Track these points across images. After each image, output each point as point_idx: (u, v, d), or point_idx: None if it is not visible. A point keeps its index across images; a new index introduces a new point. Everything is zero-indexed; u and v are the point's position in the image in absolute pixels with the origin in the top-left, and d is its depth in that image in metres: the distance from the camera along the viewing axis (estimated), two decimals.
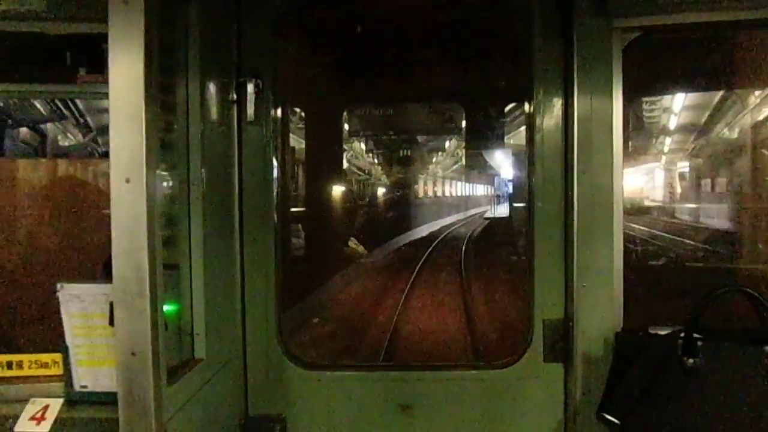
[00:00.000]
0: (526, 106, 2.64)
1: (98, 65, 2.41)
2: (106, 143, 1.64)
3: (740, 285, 2.23)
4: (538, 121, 2.55)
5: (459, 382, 2.66)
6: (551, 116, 2.54)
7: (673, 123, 14.93)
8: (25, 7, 2.08)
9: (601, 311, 2.44)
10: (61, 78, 2.47)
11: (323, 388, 2.67)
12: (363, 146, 22.41)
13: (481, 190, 43.44)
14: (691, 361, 2.13)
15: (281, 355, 2.65)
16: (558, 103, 2.53)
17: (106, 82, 1.65)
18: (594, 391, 2.39)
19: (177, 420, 1.90)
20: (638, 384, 2.24)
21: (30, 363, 2.33)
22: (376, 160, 25.05)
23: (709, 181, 14.86)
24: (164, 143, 2.08)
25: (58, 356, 2.20)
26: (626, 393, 2.28)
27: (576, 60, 2.42)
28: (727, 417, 2.10)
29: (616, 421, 2.28)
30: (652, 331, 2.40)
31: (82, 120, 10.58)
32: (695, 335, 2.14)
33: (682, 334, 2.17)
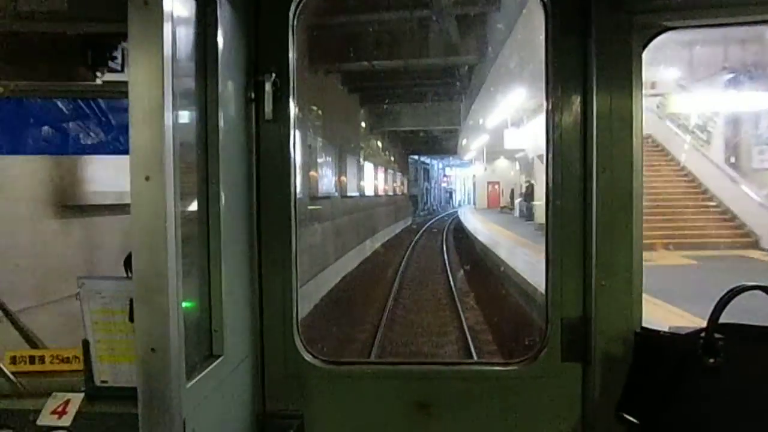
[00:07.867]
0: (544, 103, 2.61)
1: (119, 64, 2.45)
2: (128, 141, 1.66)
3: (760, 282, 2.19)
4: (556, 118, 2.53)
5: (476, 380, 2.65)
6: (570, 113, 2.51)
7: None
8: (47, 7, 2.11)
9: (620, 310, 2.41)
10: (82, 77, 2.51)
11: (340, 384, 2.67)
12: None
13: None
14: (711, 360, 2.10)
15: (299, 352, 2.66)
16: (576, 100, 2.50)
17: (126, 81, 1.68)
18: (612, 391, 2.36)
19: (195, 415, 1.91)
20: (658, 384, 2.22)
21: (52, 358, 2.38)
22: None
23: None
24: (183, 141, 2.10)
25: (79, 351, 2.24)
26: (646, 393, 2.26)
27: (595, 57, 2.39)
28: (748, 417, 2.07)
29: (635, 420, 2.26)
30: (672, 330, 2.38)
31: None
32: (716, 334, 2.11)
33: (703, 334, 2.14)
